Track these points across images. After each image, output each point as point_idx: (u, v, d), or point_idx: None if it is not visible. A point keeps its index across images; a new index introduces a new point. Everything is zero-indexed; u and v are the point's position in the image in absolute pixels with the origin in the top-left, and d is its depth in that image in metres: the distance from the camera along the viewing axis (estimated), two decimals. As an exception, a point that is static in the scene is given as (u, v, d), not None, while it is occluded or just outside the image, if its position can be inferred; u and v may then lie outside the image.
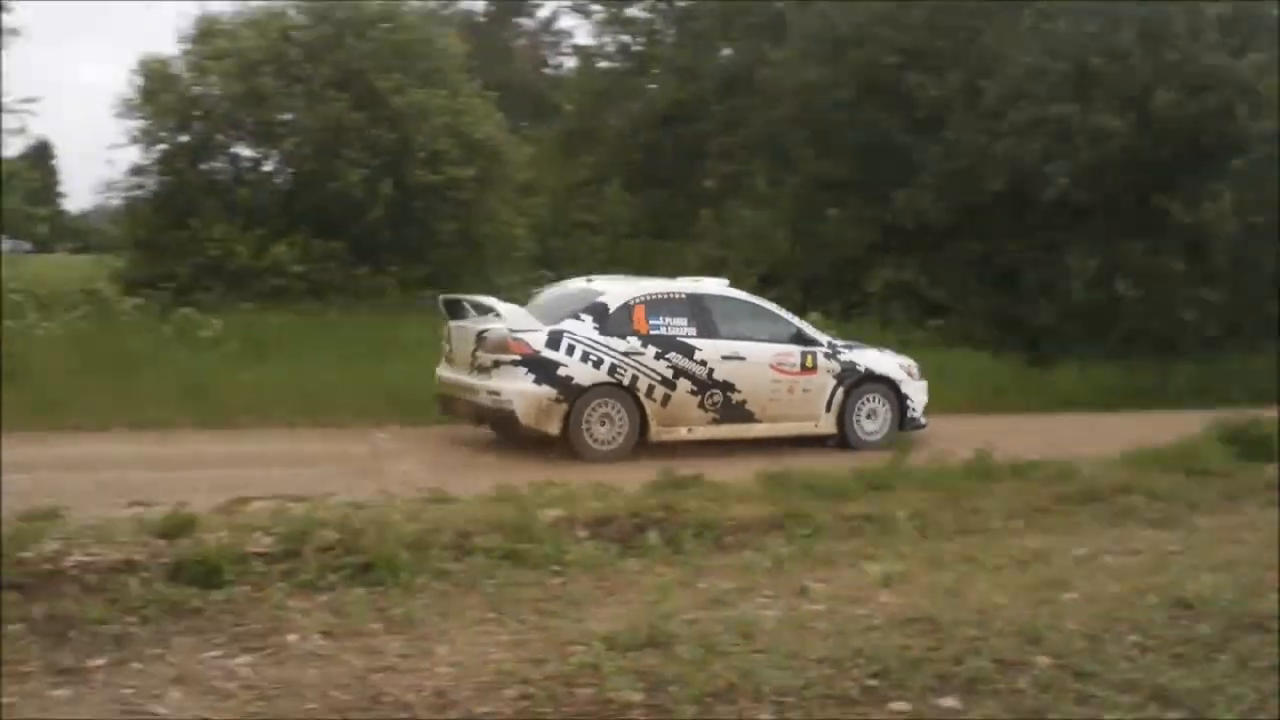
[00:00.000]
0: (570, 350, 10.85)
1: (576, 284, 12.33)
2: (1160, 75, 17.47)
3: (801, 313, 13.54)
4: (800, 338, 12.06)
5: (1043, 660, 5.06)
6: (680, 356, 11.24)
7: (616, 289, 11.63)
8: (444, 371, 11.82)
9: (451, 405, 11.63)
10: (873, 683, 4.72)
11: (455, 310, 11.98)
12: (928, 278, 18.89)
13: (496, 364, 10.88)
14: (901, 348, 13.80)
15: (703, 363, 11.32)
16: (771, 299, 13.14)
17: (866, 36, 19.48)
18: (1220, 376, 16.69)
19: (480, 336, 11.08)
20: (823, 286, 19.21)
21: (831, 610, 5.76)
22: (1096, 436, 11.98)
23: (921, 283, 18.85)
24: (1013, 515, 8.49)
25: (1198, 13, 17.75)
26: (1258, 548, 7.43)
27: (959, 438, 10.95)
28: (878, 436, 12.05)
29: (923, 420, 12.44)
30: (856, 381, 12.07)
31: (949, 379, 14.64)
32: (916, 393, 12.45)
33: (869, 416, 12.13)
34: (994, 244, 18.91)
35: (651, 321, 11.32)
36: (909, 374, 12.53)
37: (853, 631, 5.32)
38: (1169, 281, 17.36)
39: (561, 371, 10.76)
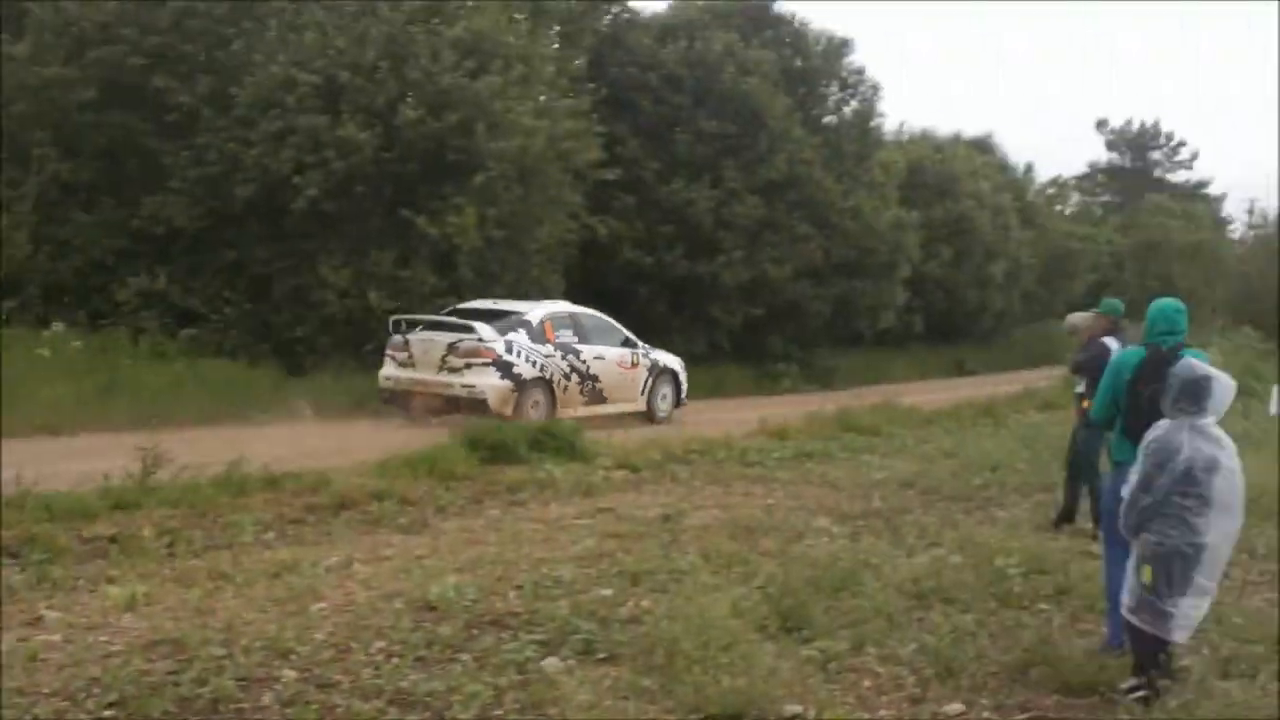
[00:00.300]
0: (518, 354, 15.93)
1: (484, 305, 17.29)
2: (404, 92, 18.85)
3: (44, 324, 13.77)
4: (629, 343, 17.98)
5: (289, 674, 5.36)
6: (573, 357, 16.76)
7: (533, 309, 16.94)
8: (397, 372, 16.22)
9: (403, 399, 16.04)
10: (109, 713, 4.77)
11: (399, 327, 16.39)
12: (180, 286, 18.78)
13: (469, 365, 15.61)
14: (156, 359, 14.06)
15: (584, 362, 16.87)
16: (11, 309, 13.06)
17: (110, 36, 18.81)
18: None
19: (453, 345, 15.73)
20: (68, 294, 18.39)
21: (68, 639, 5.70)
22: (353, 445, 12.69)
23: (174, 291, 18.68)
24: (266, 528, 8.83)
25: (438, 35, 19.27)
26: (499, 547, 8.30)
27: (216, 453, 10.96)
28: (666, 411, 18.32)
29: (685, 399, 18.79)
30: (658, 374, 18.30)
31: (206, 390, 14.81)
32: (684, 381, 18.84)
33: (663, 398, 18.39)
34: (248, 252, 19.31)
35: (556, 333, 16.71)
36: (681, 368, 18.90)
37: (90, 660, 5.30)
38: (419, 293, 18.80)
39: (515, 370, 15.79)
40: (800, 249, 26.83)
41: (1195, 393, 5.54)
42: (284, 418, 15.14)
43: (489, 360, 15.58)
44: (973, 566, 7.95)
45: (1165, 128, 69.35)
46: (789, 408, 18.22)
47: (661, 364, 18.34)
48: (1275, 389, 18.34)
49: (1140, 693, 5.55)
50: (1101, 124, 70.41)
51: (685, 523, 9.49)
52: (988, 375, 30.95)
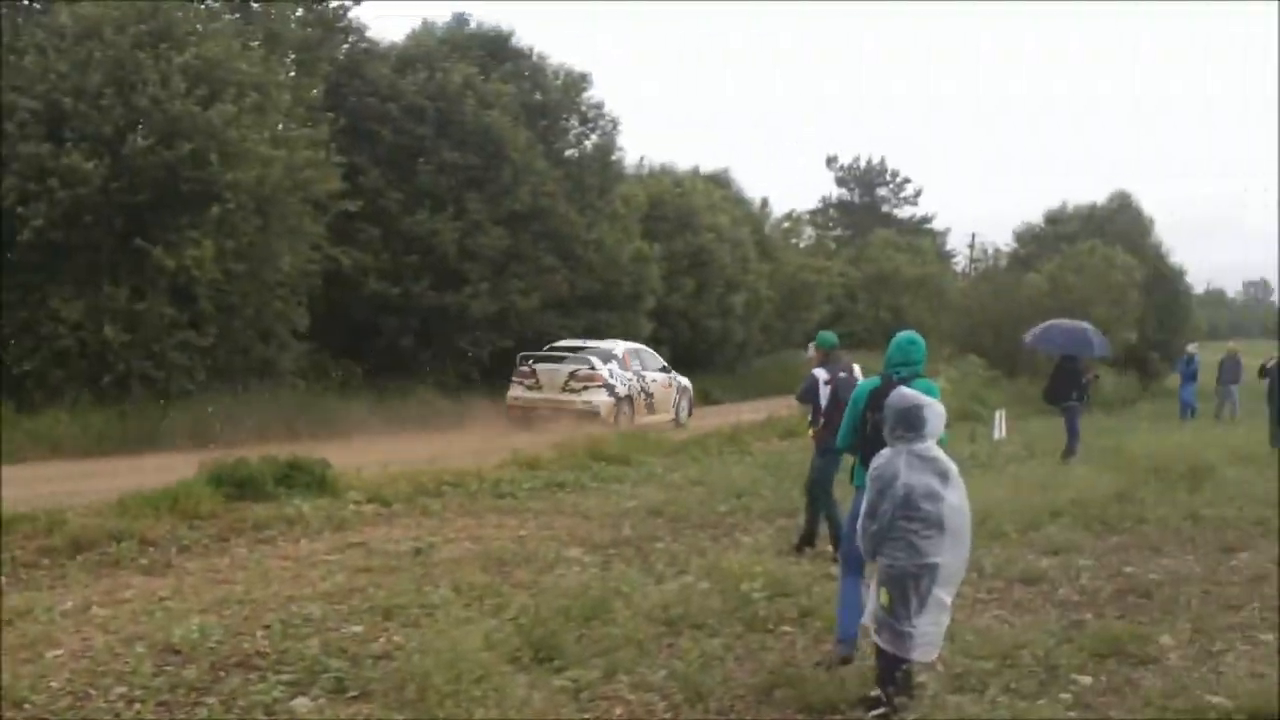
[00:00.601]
0: (616, 379, 22.86)
1: (575, 343, 24.52)
2: (133, 120, 18.67)
3: None
4: (665, 369, 25.30)
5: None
6: (641, 380, 23.75)
7: (618, 346, 24.22)
8: (525, 394, 22.91)
9: (527, 412, 22.54)
10: None
11: (524, 361, 23.30)
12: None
13: (585, 387, 22.39)
14: None
15: (647, 383, 23.94)
16: None
17: None
18: (211, 418, 18.26)
19: (573, 373, 22.57)
20: None
21: None
22: (92, 484, 12.48)
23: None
24: (-3, 573, 8.61)
25: (167, 61, 19.05)
26: (246, 586, 8.37)
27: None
28: (685, 419, 24.95)
29: (692, 411, 26.01)
30: (681, 391, 25.48)
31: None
32: (692, 396, 26.17)
33: (683, 409, 25.28)
34: (-28, 286, 18.52)
35: (631, 363, 23.79)
36: (690, 387, 26.08)
37: None
38: (156, 325, 18.56)
39: (616, 390, 22.70)
40: (546, 280, 27.76)
41: (909, 420, 5.87)
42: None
43: (600, 383, 22.62)
44: (720, 592, 8.25)
45: (890, 165, 74.37)
46: (540, 438, 18.66)
47: (683, 384, 25.80)
48: (998, 414, 20.11)
49: (879, 710, 5.90)
50: (831, 160, 74.93)
51: (437, 556, 9.68)
52: (732, 404, 31.81)
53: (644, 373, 24.09)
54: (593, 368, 22.68)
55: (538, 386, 22.77)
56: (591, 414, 21.79)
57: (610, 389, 22.55)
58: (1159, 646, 7.51)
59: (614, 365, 23.01)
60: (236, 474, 12.02)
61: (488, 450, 16.46)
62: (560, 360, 23.06)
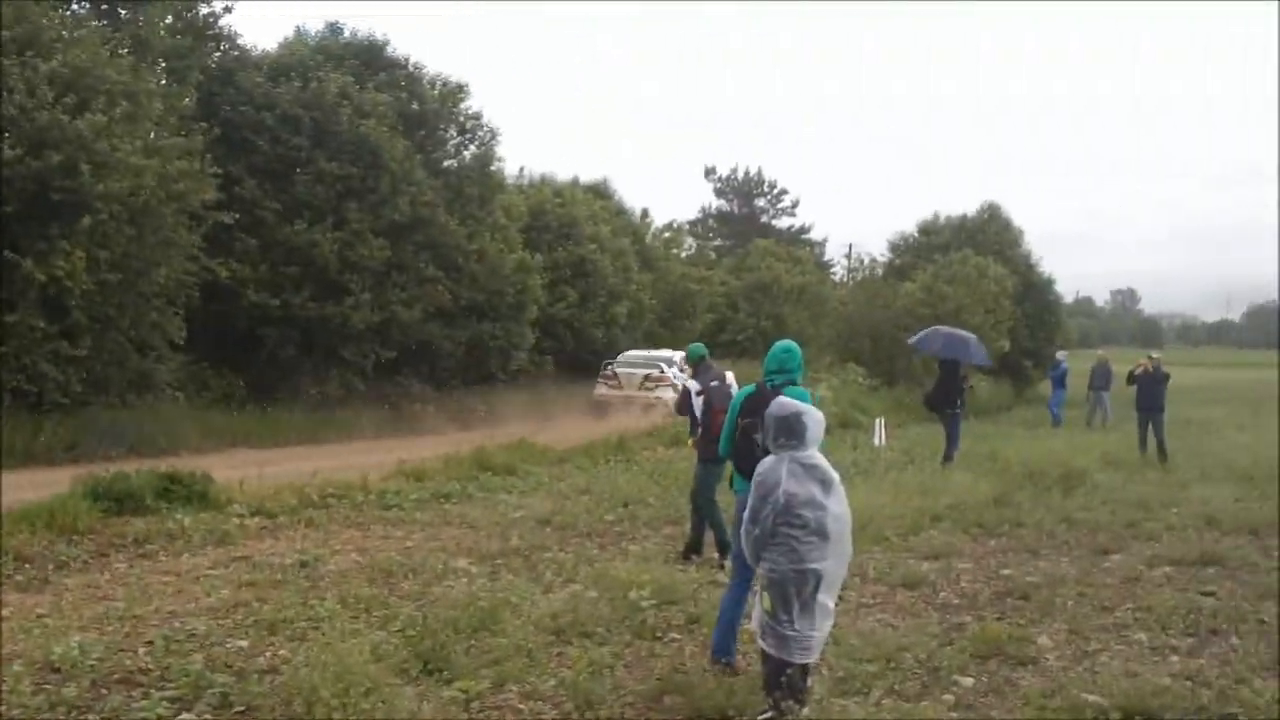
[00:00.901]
0: (678, 380, 26.43)
1: (643, 353, 32.88)
2: (-1, 130, 18.25)
3: None
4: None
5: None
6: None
7: (674, 354, 30.04)
8: (608, 391, 29.68)
9: (608, 407, 28.25)
10: None
11: (606, 366, 30.88)
12: None
13: (657, 385, 28.84)
14: None
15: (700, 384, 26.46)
16: None
17: None
18: (88, 431, 17.99)
19: (647, 376, 29.49)
20: None
21: None
22: None
23: None
24: None
25: (34, 69, 18.66)
26: (127, 602, 8.31)
27: None
28: None
29: None
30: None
31: None
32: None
33: None
34: None
35: (686, 366, 26.54)
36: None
37: None
38: (29, 338, 18.17)
39: (678, 388, 22.58)
40: (428, 291, 27.81)
41: (789, 428, 5.94)
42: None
43: (668, 383, 28.18)
44: (608, 600, 8.38)
45: (768, 176, 75.66)
46: (426, 449, 18.65)
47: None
48: (878, 422, 20.72)
49: (767, 714, 5.98)
50: (710, 171, 75.81)
51: (323, 568, 9.71)
52: (618, 413, 32.37)
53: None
54: (661, 371, 29.11)
55: (618, 386, 29.37)
56: (663, 406, 26.61)
57: (675, 388, 26.95)
58: (1037, 647, 7.88)
59: (674, 369, 28.62)
60: (115, 488, 11.86)
61: (372, 463, 16.33)
62: (635, 365, 30.11)
